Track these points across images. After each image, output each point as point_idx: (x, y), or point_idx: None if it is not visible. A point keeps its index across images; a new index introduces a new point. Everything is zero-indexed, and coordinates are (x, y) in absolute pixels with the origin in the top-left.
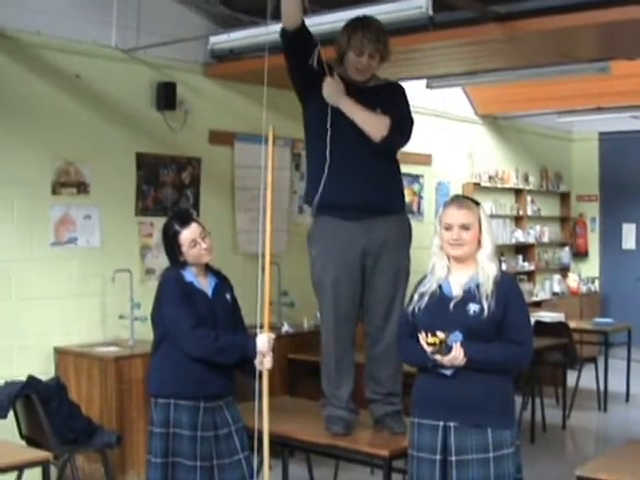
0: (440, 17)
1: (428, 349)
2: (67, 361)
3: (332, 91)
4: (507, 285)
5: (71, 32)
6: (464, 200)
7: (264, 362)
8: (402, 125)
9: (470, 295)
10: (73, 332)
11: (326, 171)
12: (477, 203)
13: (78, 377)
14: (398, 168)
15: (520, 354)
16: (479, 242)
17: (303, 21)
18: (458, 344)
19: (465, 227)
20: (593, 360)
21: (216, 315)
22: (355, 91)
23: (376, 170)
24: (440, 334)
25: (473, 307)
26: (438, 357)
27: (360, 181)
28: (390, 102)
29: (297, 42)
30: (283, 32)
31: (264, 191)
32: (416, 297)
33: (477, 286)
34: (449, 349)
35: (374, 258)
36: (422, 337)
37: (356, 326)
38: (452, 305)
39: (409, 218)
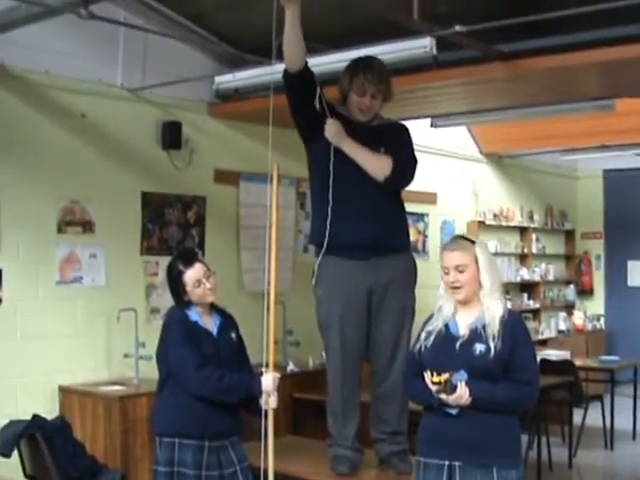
0: (444, 56)
1: (433, 388)
2: (72, 400)
3: (334, 132)
4: (514, 324)
5: (78, 72)
6: (458, 241)
7: (269, 401)
8: (405, 165)
9: (476, 335)
10: (78, 371)
11: (330, 212)
12: (473, 242)
13: (83, 416)
14: (402, 207)
15: (526, 394)
16: (480, 281)
17: (306, 62)
18: (463, 383)
19: (460, 269)
20: (599, 398)
21: (221, 354)
22: (358, 131)
23: (380, 210)
24: (445, 374)
25: (479, 347)
26: (443, 396)
27: (365, 220)
28: (393, 142)
29: (299, 83)
30: (286, 73)
31: (269, 230)
32: (423, 336)
33: (483, 326)
34: (454, 388)
35: (380, 297)
36: (427, 376)
37: (362, 365)
38: (458, 345)
39: (414, 257)
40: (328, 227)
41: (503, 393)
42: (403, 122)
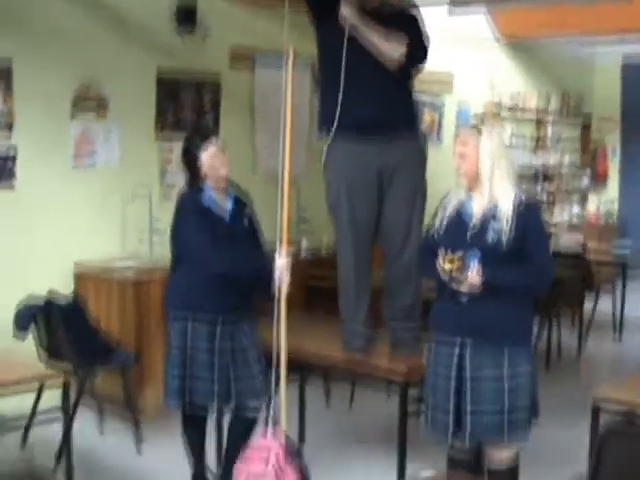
0: None
1: (446, 267)
2: (86, 279)
3: (349, 14)
4: (528, 211)
5: None
6: (464, 129)
7: (282, 283)
8: (418, 43)
9: (489, 219)
10: (92, 250)
11: (340, 95)
12: (479, 130)
13: (97, 296)
14: (411, 90)
15: (539, 278)
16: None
17: None
18: (476, 262)
19: (462, 156)
20: (611, 284)
21: (234, 237)
22: (369, 17)
23: (390, 92)
24: (458, 253)
25: (492, 232)
26: (455, 275)
27: (373, 102)
28: (405, 27)
29: None
30: None
31: (284, 113)
32: (437, 219)
33: (496, 212)
34: (466, 267)
35: (389, 178)
36: (441, 254)
37: (373, 247)
38: (470, 229)
39: (425, 141)
40: (338, 109)
41: (515, 275)
42: (418, 8)
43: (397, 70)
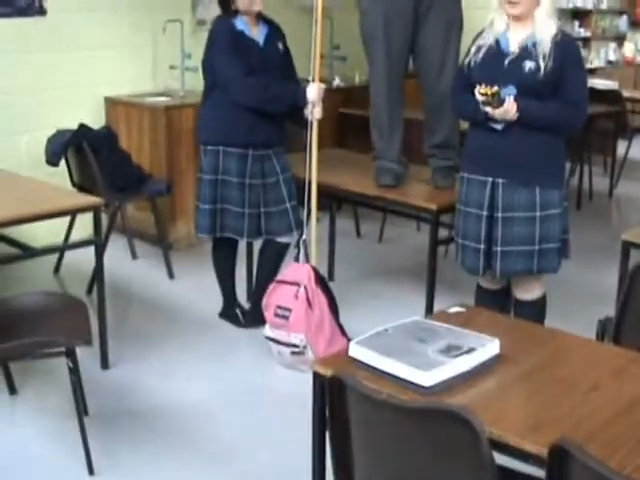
0: None
1: (481, 99)
2: (117, 111)
3: None
4: (566, 46)
5: None
6: None
7: (314, 112)
8: None
9: (527, 52)
10: (123, 82)
11: None
12: None
13: (129, 126)
14: None
15: (573, 114)
16: (538, 1)
17: None
18: (511, 97)
19: None
20: None
21: (267, 64)
22: None
23: None
24: (494, 87)
25: (529, 64)
26: (489, 109)
27: None
28: None
29: None
30: None
31: None
32: (473, 50)
33: (534, 44)
34: (502, 101)
35: (426, 8)
36: (477, 88)
37: (405, 79)
38: (507, 61)
39: None
40: None
41: (550, 110)
42: None
43: None
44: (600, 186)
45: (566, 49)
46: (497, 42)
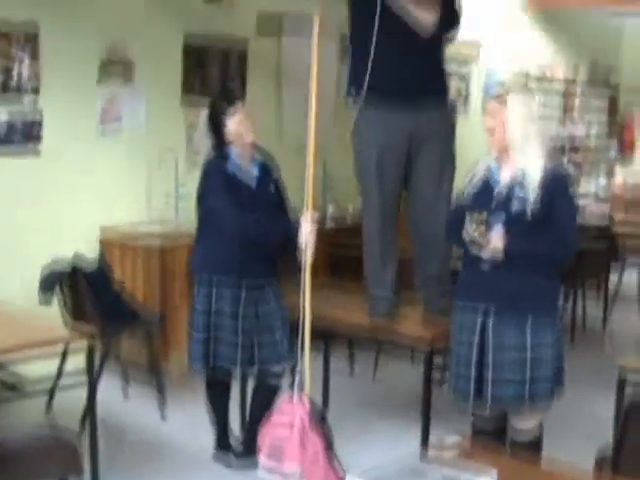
0: None
1: (468, 239)
2: (112, 243)
3: None
4: (556, 181)
5: None
6: (491, 100)
7: (307, 247)
8: (451, 10)
9: (516, 187)
10: (119, 212)
11: (370, 61)
12: (506, 98)
13: (123, 260)
14: (443, 56)
15: (562, 247)
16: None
17: None
18: (500, 225)
19: (491, 129)
20: (637, 258)
21: (259, 206)
22: None
23: (421, 59)
24: (484, 213)
25: (517, 199)
26: (476, 250)
27: (404, 68)
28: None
29: None
30: None
31: (311, 82)
32: (468, 182)
33: (524, 178)
34: (489, 227)
35: (419, 145)
36: (468, 216)
37: (398, 212)
38: (496, 194)
39: (454, 109)
40: (368, 73)
41: (539, 243)
42: None
43: (429, 38)
44: (594, 311)
45: (556, 183)
46: (488, 178)
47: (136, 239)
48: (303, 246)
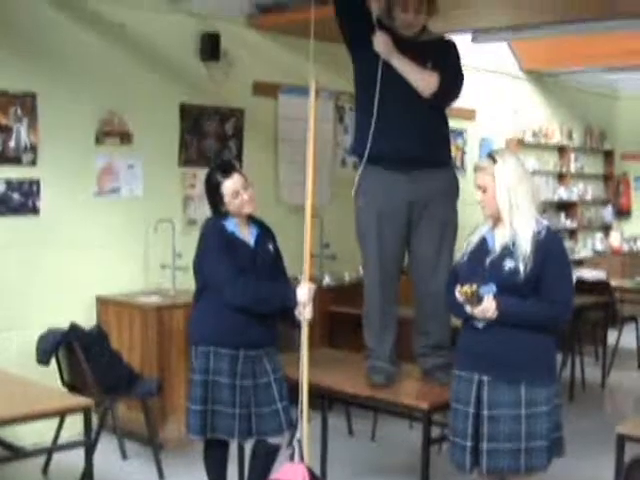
0: None
1: (460, 299)
2: (109, 310)
3: (383, 45)
4: (548, 243)
5: None
6: (481, 161)
7: (304, 312)
8: (452, 81)
9: (508, 252)
10: (115, 281)
11: (373, 123)
12: (495, 161)
13: (120, 326)
14: (446, 122)
15: (556, 312)
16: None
17: None
18: (490, 295)
19: (482, 189)
20: (634, 319)
21: (257, 265)
22: (404, 45)
23: (424, 123)
24: (473, 285)
25: (509, 264)
26: (469, 308)
27: (407, 133)
28: (441, 58)
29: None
30: None
31: (308, 143)
32: (463, 248)
33: (515, 244)
34: (480, 299)
35: (420, 210)
36: (457, 288)
37: (400, 278)
38: (489, 260)
39: (455, 171)
40: (370, 138)
41: (531, 309)
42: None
43: (431, 106)
44: (592, 376)
45: (548, 246)
46: (484, 241)
47: (133, 305)
48: (301, 306)
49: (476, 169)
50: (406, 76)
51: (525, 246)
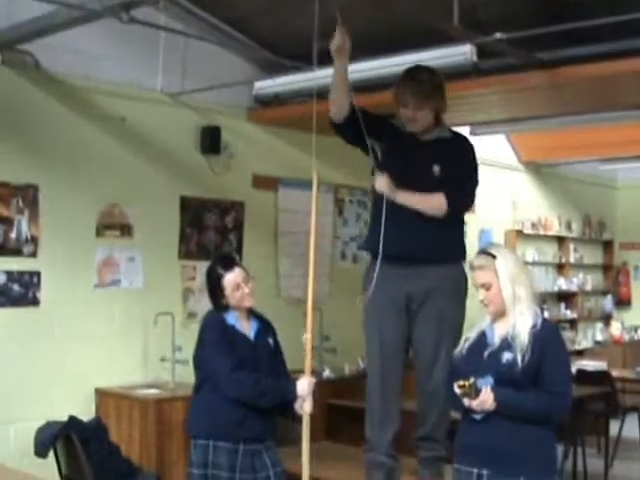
0: (484, 64)
1: (458, 392)
2: (108, 402)
3: (385, 187)
4: (546, 335)
5: (118, 76)
6: (478, 259)
7: (304, 406)
8: (461, 194)
9: (506, 344)
10: (114, 373)
11: (383, 223)
12: (494, 256)
13: (119, 418)
14: (461, 220)
15: (555, 405)
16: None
17: (352, 108)
18: (488, 388)
19: (485, 287)
20: (636, 410)
21: (258, 358)
22: (411, 144)
23: (432, 226)
24: (471, 379)
25: (507, 356)
26: (466, 401)
27: (414, 236)
28: (450, 160)
29: (348, 128)
30: (333, 123)
31: (309, 236)
32: (462, 342)
33: (513, 336)
34: (477, 392)
35: (419, 304)
36: (455, 382)
37: (403, 371)
38: (487, 353)
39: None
40: (380, 237)
41: (529, 402)
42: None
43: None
44: (595, 467)
45: (546, 338)
46: (484, 334)
47: (132, 398)
48: (300, 400)
49: (474, 268)
50: (413, 208)
51: (523, 337)
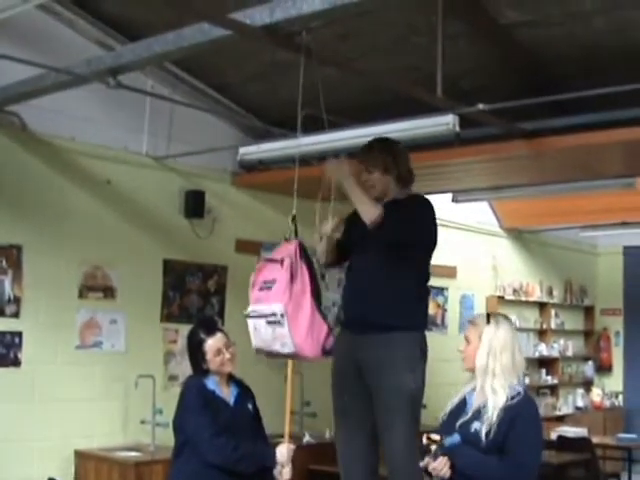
0: (466, 133)
1: (425, 442)
2: (87, 464)
3: (335, 169)
4: (518, 411)
5: (104, 139)
6: (477, 316)
7: (283, 472)
8: (399, 222)
9: (477, 414)
10: (94, 435)
11: (343, 290)
12: (489, 321)
13: (98, 477)
14: (418, 284)
15: (514, 473)
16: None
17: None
18: (445, 459)
19: (467, 340)
20: (617, 476)
21: (237, 424)
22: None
23: (389, 288)
24: (436, 436)
25: (475, 425)
26: (425, 460)
27: (357, 300)
28: (396, 211)
29: (336, 263)
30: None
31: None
32: (447, 407)
33: (483, 411)
34: (437, 456)
35: (371, 377)
36: (424, 435)
37: (372, 438)
38: (460, 421)
39: (422, 334)
40: (343, 303)
41: (489, 469)
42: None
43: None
44: None
45: (518, 411)
46: (464, 400)
47: (112, 460)
48: (280, 466)
49: (469, 321)
50: (352, 199)
51: (492, 413)
